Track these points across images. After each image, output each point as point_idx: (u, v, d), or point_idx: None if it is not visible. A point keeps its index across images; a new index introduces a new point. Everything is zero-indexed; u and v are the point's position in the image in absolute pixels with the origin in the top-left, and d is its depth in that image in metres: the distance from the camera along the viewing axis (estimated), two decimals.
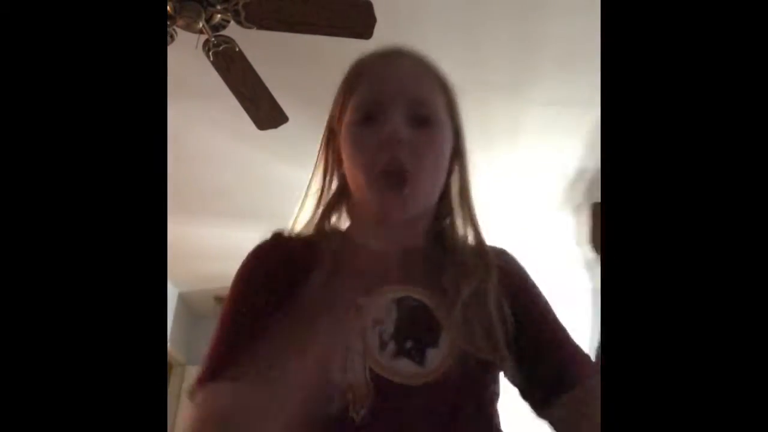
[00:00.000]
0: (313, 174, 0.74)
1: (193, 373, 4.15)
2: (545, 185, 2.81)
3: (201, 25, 1.74)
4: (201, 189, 3.04)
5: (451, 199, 0.74)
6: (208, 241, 3.61)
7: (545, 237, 3.25)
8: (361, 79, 0.72)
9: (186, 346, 4.54)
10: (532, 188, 2.85)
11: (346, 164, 0.70)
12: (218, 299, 4.53)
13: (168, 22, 1.69)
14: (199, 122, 2.52)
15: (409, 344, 0.62)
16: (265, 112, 2.08)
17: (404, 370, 0.61)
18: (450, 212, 0.74)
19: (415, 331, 0.63)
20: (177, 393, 4.48)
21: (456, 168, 0.74)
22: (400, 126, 0.65)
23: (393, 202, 0.65)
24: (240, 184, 2.99)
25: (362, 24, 1.72)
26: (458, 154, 0.74)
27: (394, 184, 0.64)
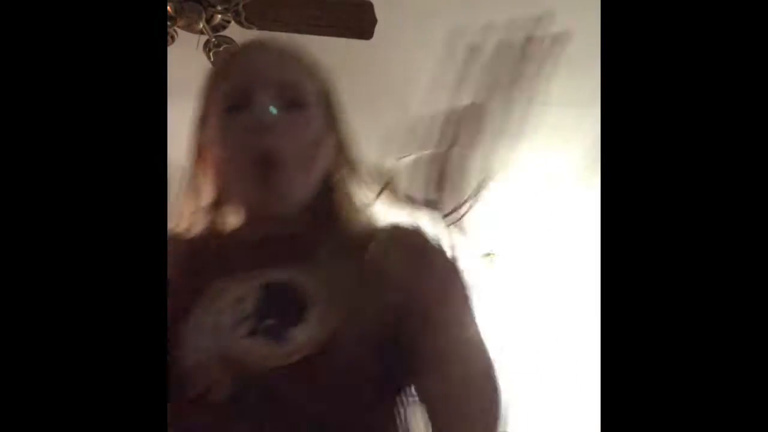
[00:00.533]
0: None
1: None
2: (544, 185, 2.81)
3: (201, 25, 1.74)
4: None
5: (332, 178, 0.71)
6: None
7: (545, 237, 3.25)
8: (227, 71, 0.70)
9: None
10: (531, 188, 2.85)
11: (214, 155, 0.68)
12: None
13: (168, 23, 1.70)
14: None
15: (268, 323, 0.59)
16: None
17: (258, 350, 0.57)
18: (332, 189, 0.71)
19: (277, 311, 0.60)
20: None
21: (334, 149, 0.72)
22: (267, 110, 0.64)
23: (267, 195, 0.64)
24: None
25: (363, 24, 1.72)
26: (335, 136, 0.72)
27: (266, 174, 0.63)
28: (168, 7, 1.67)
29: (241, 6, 1.70)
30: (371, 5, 1.68)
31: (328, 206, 0.70)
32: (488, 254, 3.35)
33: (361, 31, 1.73)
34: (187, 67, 2.16)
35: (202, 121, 0.70)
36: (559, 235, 3.21)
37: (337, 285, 0.61)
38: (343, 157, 0.73)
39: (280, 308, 0.60)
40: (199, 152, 0.71)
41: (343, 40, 1.82)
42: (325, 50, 2.20)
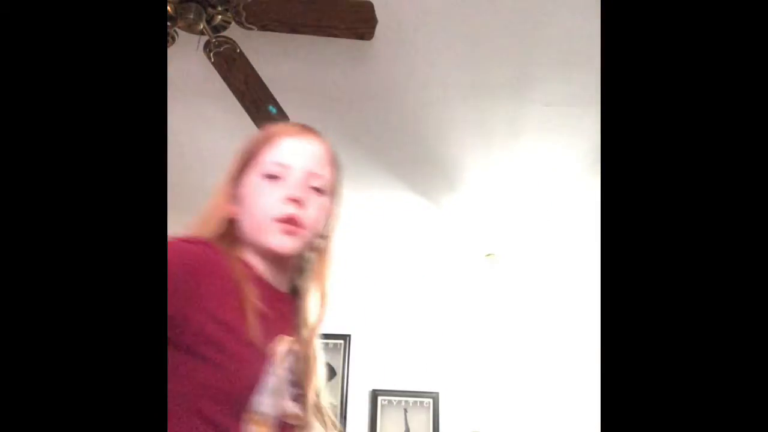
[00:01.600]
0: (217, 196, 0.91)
1: None
2: (545, 185, 2.81)
3: (202, 26, 1.74)
4: (201, 189, 3.03)
5: (316, 256, 0.90)
6: None
7: (545, 237, 3.25)
8: (274, 142, 0.88)
9: None
10: (532, 188, 2.85)
11: (244, 205, 0.86)
12: None
13: (169, 24, 1.70)
14: (200, 123, 2.53)
15: (294, 390, 0.79)
16: (266, 113, 2.09)
17: (292, 411, 0.78)
18: (305, 270, 0.90)
19: (296, 379, 0.80)
20: None
21: (329, 230, 0.91)
22: (300, 190, 0.83)
23: (282, 243, 0.82)
24: None
25: (363, 25, 1.72)
26: (330, 220, 0.91)
27: (288, 230, 0.82)
28: (168, 8, 1.67)
29: (241, 6, 1.70)
30: (371, 5, 1.68)
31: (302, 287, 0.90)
32: (489, 254, 3.35)
33: (361, 31, 1.73)
34: (188, 67, 2.16)
35: (238, 174, 0.89)
36: (560, 235, 3.22)
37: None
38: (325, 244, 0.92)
39: (297, 377, 0.82)
40: (232, 198, 0.89)
41: (346, 41, 1.82)
42: (326, 50, 2.20)
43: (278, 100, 2.06)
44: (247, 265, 0.83)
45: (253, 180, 0.86)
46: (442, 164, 2.69)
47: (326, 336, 3.92)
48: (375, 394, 3.30)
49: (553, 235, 3.22)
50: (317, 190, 0.86)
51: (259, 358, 0.73)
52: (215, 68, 1.91)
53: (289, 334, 0.82)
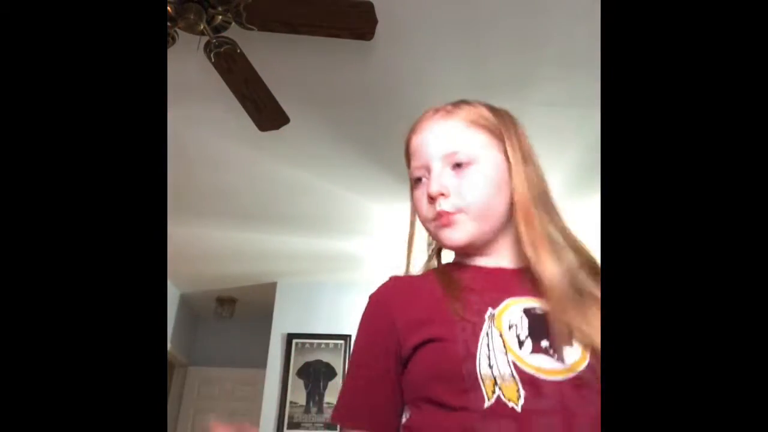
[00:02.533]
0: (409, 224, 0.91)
1: (194, 373, 4.16)
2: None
3: (202, 26, 1.74)
4: (202, 190, 3.04)
5: (516, 219, 0.82)
6: (210, 243, 3.61)
7: None
8: (409, 150, 0.89)
9: (187, 347, 4.54)
10: None
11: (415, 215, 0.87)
12: (220, 300, 4.54)
13: (169, 24, 1.70)
14: (200, 123, 2.53)
15: (545, 343, 0.71)
16: (267, 114, 2.09)
17: (545, 365, 0.69)
18: (520, 234, 0.82)
19: (546, 332, 0.72)
20: (178, 393, 4.48)
21: (515, 186, 0.84)
22: (436, 184, 0.80)
23: (447, 238, 0.80)
24: (241, 186, 2.99)
25: (364, 25, 1.72)
26: (515, 174, 0.84)
27: (443, 225, 0.80)
28: (168, 8, 1.67)
29: (241, 7, 1.71)
30: (371, 5, 1.68)
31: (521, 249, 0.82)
32: None
33: (361, 31, 1.74)
34: (189, 68, 2.17)
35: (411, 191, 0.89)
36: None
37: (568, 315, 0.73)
38: (520, 193, 0.84)
39: (547, 331, 0.72)
40: (412, 214, 0.90)
41: (346, 41, 1.82)
42: (326, 50, 2.20)
43: (278, 100, 2.06)
44: (444, 266, 0.86)
45: (414, 194, 0.87)
46: None
47: (326, 336, 3.93)
48: None
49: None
50: (459, 165, 0.81)
51: (467, 328, 0.72)
52: (215, 69, 1.91)
53: (518, 295, 0.77)
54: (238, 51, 1.85)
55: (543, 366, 0.69)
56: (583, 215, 3.08)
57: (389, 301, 0.80)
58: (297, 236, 3.51)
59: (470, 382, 0.68)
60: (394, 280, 0.84)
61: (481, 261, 0.83)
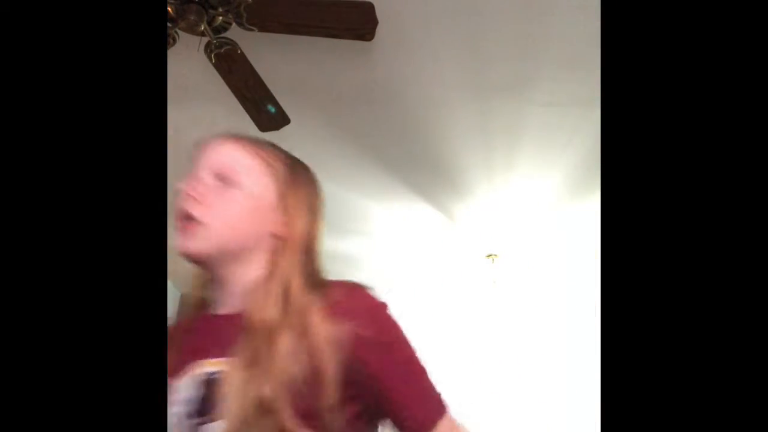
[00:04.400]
0: None
1: None
2: (545, 185, 2.81)
3: (203, 27, 1.74)
4: None
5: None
6: None
7: (545, 237, 3.25)
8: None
9: None
10: (532, 188, 2.85)
11: None
12: None
13: (169, 25, 1.70)
14: (200, 124, 2.53)
15: (202, 419, 0.65)
16: (267, 114, 2.09)
17: None
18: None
19: (208, 406, 0.66)
20: None
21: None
22: (194, 182, 0.77)
23: (182, 238, 0.76)
24: None
25: (364, 26, 1.72)
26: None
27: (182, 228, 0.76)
28: (169, 9, 1.67)
29: (242, 7, 1.71)
30: (371, 5, 1.68)
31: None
32: (490, 255, 3.35)
33: (361, 32, 1.74)
34: (189, 69, 2.17)
35: None
36: (560, 236, 3.21)
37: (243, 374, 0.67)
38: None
39: (210, 404, 0.66)
40: None
41: (346, 42, 1.82)
42: (326, 51, 2.20)
43: (279, 101, 2.06)
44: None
45: None
46: (442, 164, 2.69)
47: None
48: None
49: (552, 235, 3.22)
50: (225, 179, 0.77)
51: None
52: (216, 69, 1.91)
53: (211, 357, 0.70)
54: (239, 52, 1.85)
55: None
56: (583, 215, 3.09)
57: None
58: None
59: None
60: None
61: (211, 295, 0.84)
